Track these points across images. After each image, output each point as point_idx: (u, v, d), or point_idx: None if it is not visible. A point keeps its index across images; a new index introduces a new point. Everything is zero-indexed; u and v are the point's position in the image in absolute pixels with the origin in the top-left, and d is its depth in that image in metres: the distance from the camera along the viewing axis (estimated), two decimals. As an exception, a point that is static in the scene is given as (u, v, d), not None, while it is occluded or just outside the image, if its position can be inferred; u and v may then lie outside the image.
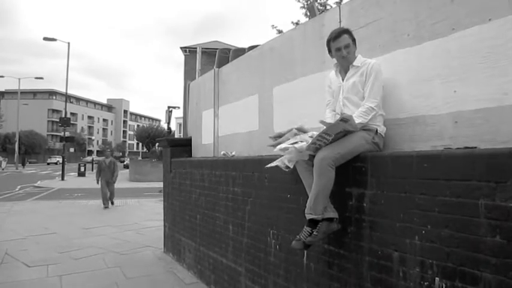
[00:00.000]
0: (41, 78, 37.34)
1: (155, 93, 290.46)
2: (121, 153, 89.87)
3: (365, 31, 2.84)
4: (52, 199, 14.24)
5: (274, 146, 2.73)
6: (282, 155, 2.71)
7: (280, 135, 2.77)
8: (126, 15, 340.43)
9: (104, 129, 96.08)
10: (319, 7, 12.51)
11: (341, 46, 2.60)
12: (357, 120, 2.38)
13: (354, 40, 2.62)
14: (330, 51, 2.70)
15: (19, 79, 39.79)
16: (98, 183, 11.62)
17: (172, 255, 5.91)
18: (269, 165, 2.89)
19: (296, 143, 2.56)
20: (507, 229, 1.63)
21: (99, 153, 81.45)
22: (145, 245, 6.71)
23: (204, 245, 4.78)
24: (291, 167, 2.70)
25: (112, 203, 11.75)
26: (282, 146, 2.60)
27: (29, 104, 61.05)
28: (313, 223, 2.43)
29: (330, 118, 2.72)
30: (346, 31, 2.63)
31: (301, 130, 2.72)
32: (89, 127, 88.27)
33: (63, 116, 25.72)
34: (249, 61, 4.59)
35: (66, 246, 6.56)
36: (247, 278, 3.73)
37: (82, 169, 27.84)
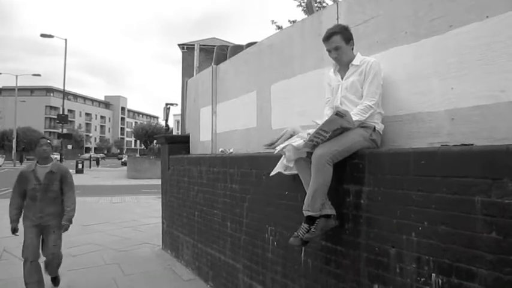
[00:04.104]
0: (39, 75, 37.14)
1: (153, 90, 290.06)
2: (119, 150, 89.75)
3: (363, 28, 2.84)
4: (50, 196, 14.18)
5: (271, 148, 2.74)
6: (282, 155, 2.72)
7: (273, 143, 2.77)
8: (125, 13, 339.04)
9: (101, 126, 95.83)
10: (315, 4, 12.46)
11: (331, 48, 2.60)
12: (355, 118, 2.38)
13: (348, 39, 2.58)
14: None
15: (16, 76, 39.64)
16: (13, 232, 4.22)
17: (171, 252, 5.92)
18: (272, 174, 2.93)
19: (295, 141, 2.56)
20: (503, 225, 1.64)
21: (96, 150, 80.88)
22: (143, 241, 6.72)
23: (202, 242, 4.79)
24: (291, 166, 2.70)
25: (57, 283, 4.58)
26: (281, 146, 2.61)
27: (26, 101, 60.80)
28: (310, 220, 2.44)
29: (329, 116, 2.72)
30: (337, 32, 2.57)
31: (295, 132, 2.72)
32: (87, 124, 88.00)
33: (61, 112, 25.63)
34: (247, 58, 4.58)
35: (64, 243, 6.50)
36: (245, 274, 3.75)
37: (80, 166, 27.83)
